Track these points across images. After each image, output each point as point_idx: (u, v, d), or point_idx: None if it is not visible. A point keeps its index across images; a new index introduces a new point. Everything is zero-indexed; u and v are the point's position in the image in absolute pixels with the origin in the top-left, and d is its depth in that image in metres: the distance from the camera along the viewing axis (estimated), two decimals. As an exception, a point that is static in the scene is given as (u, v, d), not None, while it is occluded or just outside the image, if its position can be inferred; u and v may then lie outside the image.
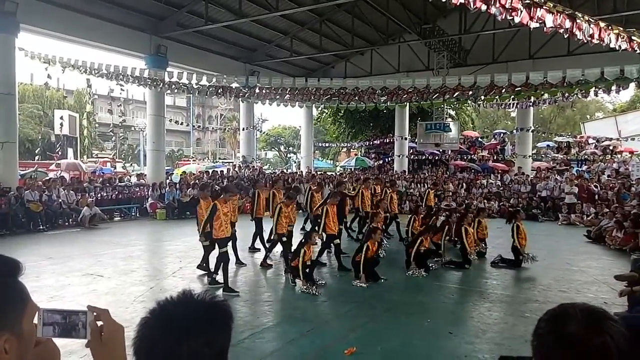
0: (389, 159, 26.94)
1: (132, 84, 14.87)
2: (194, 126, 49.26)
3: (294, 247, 8.30)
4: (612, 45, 8.12)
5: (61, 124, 27.86)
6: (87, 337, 1.05)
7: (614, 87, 12.13)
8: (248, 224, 9.98)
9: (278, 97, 15.68)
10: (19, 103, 16.37)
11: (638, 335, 1.15)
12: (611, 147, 24.07)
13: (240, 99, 17.19)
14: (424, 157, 26.01)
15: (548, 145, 27.69)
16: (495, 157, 25.52)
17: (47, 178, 16.61)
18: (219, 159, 47.33)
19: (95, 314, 1.06)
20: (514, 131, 23.72)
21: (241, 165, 23.01)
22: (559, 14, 7.20)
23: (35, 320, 1.03)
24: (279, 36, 21.08)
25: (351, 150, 35.01)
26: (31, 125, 33.43)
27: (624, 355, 0.94)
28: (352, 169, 27.50)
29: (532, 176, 19.99)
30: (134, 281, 7.49)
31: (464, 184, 20.18)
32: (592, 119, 39.29)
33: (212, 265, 7.56)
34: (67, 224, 14.03)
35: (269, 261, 8.74)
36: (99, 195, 15.63)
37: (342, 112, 27.64)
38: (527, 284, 7.67)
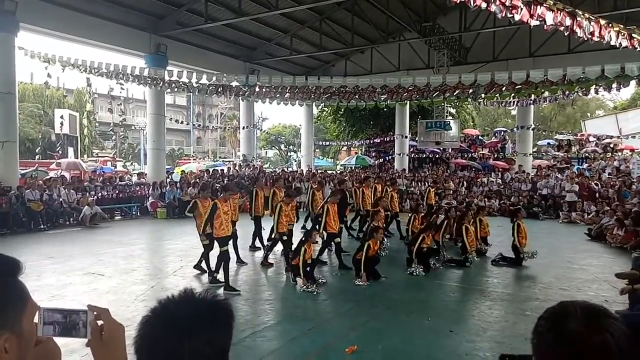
0: (390, 157, 26.93)
1: (132, 83, 14.88)
2: (194, 125, 49.25)
3: (294, 246, 8.31)
4: (612, 43, 8.11)
5: (61, 123, 27.90)
6: (87, 336, 1.05)
7: (614, 85, 12.12)
8: (249, 223, 9.98)
9: (278, 95, 15.68)
10: (19, 102, 16.35)
11: (639, 333, 1.15)
12: (612, 145, 24.04)
13: (240, 97, 17.22)
14: (424, 156, 26.01)
15: (549, 143, 27.69)
16: (495, 155, 25.52)
17: (48, 177, 16.63)
18: (220, 157, 47.31)
19: (95, 313, 1.06)
20: (515, 129, 23.69)
21: (241, 164, 23.01)
22: (559, 12, 7.19)
23: (36, 320, 1.03)
24: (279, 34, 21.06)
25: (351, 148, 35.00)
26: (31, 125, 33.44)
27: (625, 354, 0.94)
28: (353, 168, 27.50)
29: (532, 174, 19.97)
30: (134, 280, 7.49)
31: (465, 183, 20.18)
32: (593, 117, 39.25)
33: (212, 264, 7.57)
34: (67, 223, 14.04)
35: (269, 260, 8.74)
36: (100, 194, 15.64)
37: (342, 110, 27.64)
38: (527, 282, 7.67)
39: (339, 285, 7.46)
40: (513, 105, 22.96)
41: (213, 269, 7.50)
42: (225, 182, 16.18)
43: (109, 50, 17.54)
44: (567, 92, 15.54)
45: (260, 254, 9.33)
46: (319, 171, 23.09)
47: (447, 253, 9.35)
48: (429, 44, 20.47)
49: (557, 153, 25.52)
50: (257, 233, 9.91)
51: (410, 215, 10.81)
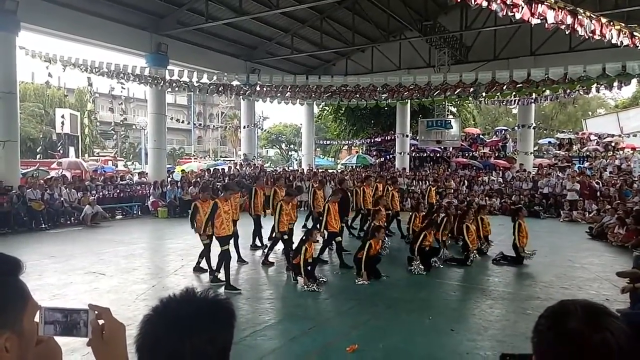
0: (390, 156, 26.92)
1: (132, 82, 14.92)
2: (195, 124, 49.27)
3: (295, 245, 8.31)
4: (613, 41, 8.10)
5: (62, 123, 27.95)
6: (88, 335, 1.05)
7: (615, 83, 12.12)
8: (249, 222, 10.00)
9: (279, 94, 15.69)
10: (20, 102, 16.36)
11: (640, 332, 1.15)
12: (613, 144, 24.02)
13: (241, 96, 17.23)
14: (425, 155, 26.00)
15: (550, 142, 27.67)
16: (496, 154, 25.51)
17: (49, 177, 16.66)
18: (220, 157, 47.38)
19: (96, 312, 1.06)
20: (516, 128, 23.69)
21: (242, 163, 23.02)
22: (560, 10, 7.18)
23: (37, 319, 1.03)
24: (279, 34, 21.05)
25: (352, 147, 35.00)
26: (32, 124, 33.49)
27: (626, 353, 0.94)
28: (354, 167, 27.50)
29: (533, 173, 19.96)
30: (135, 279, 7.50)
31: (466, 181, 20.17)
32: (594, 116, 39.23)
33: (213, 263, 7.58)
34: (69, 222, 14.06)
35: (270, 259, 8.74)
36: (101, 193, 15.65)
37: (343, 109, 27.65)
38: (528, 281, 7.67)
39: (339, 284, 7.46)
40: (514, 104, 22.94)
41: (214, 268, 7.51)
42: (226, 181, 16.21)
43: (110, 49, 17.55)
44: (568, 91, 15.54)
45: (259, 253, 9.32)
46: (319, 170, 23.09)
47: (449, 252, 9.35)
48: (430, 43, 20.45)
49: (558, 152, 25.50)
50: (257, 232, 9.92)
51: (411, 214, 10.81)
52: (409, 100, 17.70)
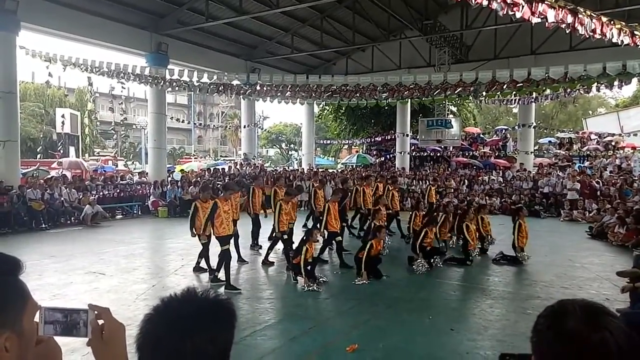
0: (391, 155, 26.92)
1: (133, 82, 14.92)
2: (195, 124, 49.29)
3: (295, 245, 8.32)
4: (614, 40, 8.09)
5: (63, 122, 27.96)
6: (88, 335, 1.05)
7: (616, 83, 12.11)
8: (250, 222, 9.99)
9: (279, 94, 15.69)
10: (20, 102, 16.36)
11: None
12: (613, 143, 24.01)
13: (241, 96, 17.23)
14: (425, 154, 25.99)
15: (550, 142, 27.66)
16: (497, 154, 25.50)
17: (49, 176, 16.67)
18: (221, 156, 47.39)
19: (96, 312, 1.07)
20: (516, 127, 23.69)
21: (242, 162, 23.03)
22: (560, 9, 7.18)
23: (37, 319, 1.03)
24: (279, 33, 21.04)
25: (352, 147, 35.00)
26: (33, 124, 33.51)
27: (627, 354, 0.93)
28: (354, 166, 27.50)
29: (534, 172, 19.97)
30: (136, 279, 7.50)
31: (466, 181, 20.17)
32: (594, 115, 39.22)
33: (212, 263, 7.59)
34: (69, 222, 14.06)
35: (270, 259, 8.74)
36: (101, 193, 15.65)
37: (343, 109, 27.65)
38: (528, 280, 7.66)
39: (340, 284, 7.46)
40: (514, 103, 22.94)
41: (213, 267, 7.52)
42: (226, 181, 16.20)
43: (110, 49, 17.56)
44: (568, 90, 15.53)
45: (260, 253, 9.31)
46: (320, 170, 23.09)
47: (448, 251, 9.36)
48: (430, 42, 20.44)
49: (558, 151, 25.50)
50: (255, 231, 9.93)
51: (411, 213, 10.81)
52: (409, 100, 17.70)
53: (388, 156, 27.34)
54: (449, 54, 20.79)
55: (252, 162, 23.05)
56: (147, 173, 18.92)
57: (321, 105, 29.30)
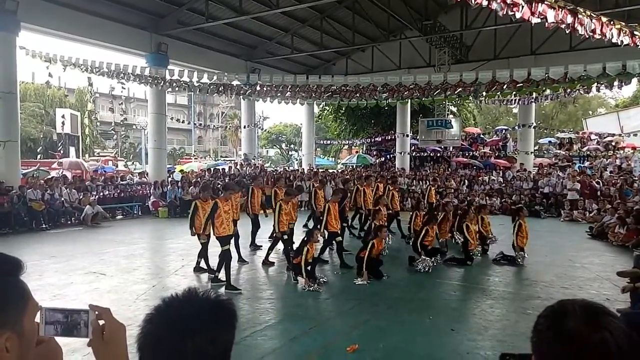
0: (391, 156, 26.92)
1: (133, 82, 14.93)
2: (195, 124, 49.29)
3: (295, 245, 8.32)
4: (614, 41, 8.09)
5: (63, 123, 27.97)
6: (88, 336, 1.05)
7: (616, 83, 12.11)
8: (250, 222, 9.99)
9: (279, 94, 15.69)
10: (21, 102, 16.36)
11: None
12: (613, 143, 24.02)
13: (241, 96, 17.24)
14: (425, 154, 25.99)
15: (550, 142, 27.66)
16: (497, 154, 25.50)
17: (49, 177, 16.66)
18: (221, 157, 47.39)
19: (97, 312, 1.07)
20: (516, 127, 23.69)
21: (243, 163, 23.03)
22: (560, 9, 7.18)
23: (37, 319, 1.03)
24: (279, 33, 21.05)
25: (353, 147, 35.00)
26: (33, 124, 33.50)
27: (627, 354, 0.94)
28: (354, 167, 27.50)
29: (534, 172, 19.97)
30: (136, 279, 7.50)
31: (466, 181, 20.18)
32: (594, 115, 39.22)
33: (211, 263, 7.60)
34: (69, 222, 14.07)
35: (270, 259, 8.74)
36: (101, 193, 15.66)
37: (343, 109, 27.65)
38: (529, 280, 7.66)
39: (340, 284, 7.46)
40: (514, 104, 22.94)
41: (212, 267, 7.54)
42: (226, 181, 16.20)
43: (110, 49, 17.56)
44: (568, 90, 15.53)
45: (261, 253, 9.30)
46: (320, 170, 23.09)
47: (449, 251, 9.37)
48: (430, 42, 20.44)
49: (558, 151, 25.49)
50: (256, 230, 9.93)
51: (411, 213, 10.82)
52: (409, 100, 17.70)
53: (388, 156, 27.35)
54: (448, 54, 20.79)
55: (252, 163, 23.05)
56: (147, 173, 18.93)
57: (321, 106, 29.31)
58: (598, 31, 7.75)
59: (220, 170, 21.79)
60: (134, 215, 16.32)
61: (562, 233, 12.99)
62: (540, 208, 16.66)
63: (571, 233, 12.88)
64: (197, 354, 0.98)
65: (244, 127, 24.63)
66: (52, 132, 32.63)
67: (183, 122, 34.00)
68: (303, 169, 23.90)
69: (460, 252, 9.13)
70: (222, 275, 7.07)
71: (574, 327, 0.97)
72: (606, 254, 9.88)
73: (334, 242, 8.82)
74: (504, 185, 19.25)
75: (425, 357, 4.61)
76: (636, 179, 16.62)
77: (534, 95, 17.99)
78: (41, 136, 33.56)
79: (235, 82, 14.53)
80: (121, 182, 16.97)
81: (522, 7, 6.88)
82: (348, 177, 17.06)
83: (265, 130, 48.76)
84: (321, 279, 7.30)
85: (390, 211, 11.03)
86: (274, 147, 53.04)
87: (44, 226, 13.00)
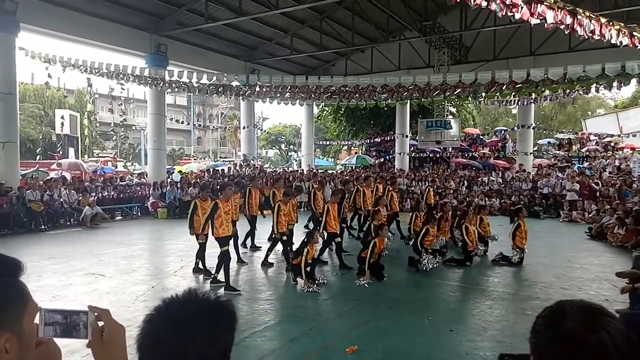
0: (390, 156, 26.93)
1: (132, 83, 14.91)
2: (194, 125, 49.27)
3: (295, 246, 8.32)
4: (613, 41, 8.10)
5: (62, 124, 27.94)
6: (88, 337, 1.05)
7: (615, 83, 12.12)
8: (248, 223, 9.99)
9: (278, 95, 15.69)
10: (20, 103, 16.36)
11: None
12: (612, 144, 24.05)
13: (240, 97, 17.23)
14: (425, 155, 26.00)
15: (549, 142, 27.67)
16: (496, 154, 25.51)
17: (49, 178, 16.65)
18: (220, 157, 47.36)
19: (96, 314, 1.07)
20: (515, 128, 23.69)
21: (242, 163, 23.03)
22: (559, 10, 7.19)
23: (37, 321, 1.03)
24: (279, 34, 21.06)
25: (352, 148, 35.01)
26: (32, 125, 33.47)
27: (625, 355, 0.94)
28: (353, 167, 27.50)
29: (533, 173, 19.97)
30: (135, 280, 7.50)
31: (465, 182, 20.18)
32: (594, 116, 39.24)
33: (207, 264, 7.61)
34: (68, 223, 14.05)
35: (270, 260, 8.74)
36: (100, 194, 15.65)
37: (342, 110, 27.66)
38: (528, 281, 7.67)
39: (339, 285, 7.46)
40: (514, 104, 22.95)
41: (208, 268, 7.57)
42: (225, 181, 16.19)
43: (110, 50, 17.55)
44: (567, 91, 15.54)
45: (260, 254, 9.30)
46: (319, 171, 23.10)
47: (448, 252, 9.38)
48: (430, 43, 20.45)
49: (557, 152, 25.52)
50: (251, 233, 9.92)
51: (411, 214, 10.83)
52: (409, 101, 17.71)
53: (387, 157, 27.36)
54: (448, 55, 20.80)
55: (251, 163, 23.05)
56: (146, 174, 18.92)
57: (320, 106, 29.32)
58: (597, 32, 7.76)
59: (220, 171, 21.78)
60: (133, 216, 16.31)
61: (561, 234, 13.00)
62: (539, 209, 16.67)
63: (570, 234, 12.88)
64: (197, 355, 0.98)
65: (243, 127, 24.63)
66: (52, 133, 32.59)
67: (182, 122, 34.03)
68: (302, 169, 23.90)
69: (460, 253, 9.14)
70: (221, 276, 7.08)
71: (572, 327, 0.97)
72: (605, 255, 9.89)
73: (333, 242, 8.82)
74: (503, 186, 19.26)
75: (425, 358, 4.61)
76: (635, 179, 16.63)
77: (533, 96, 17.99)
78: (40, 137, 33.52)
79: (234, 83, 14.53)
80: (120, 183, 16.96)
81: (521, 8, 6.89)
82: (348, 177, 17.05)
83: (264, 131, 48.79)
84: (321, 280, 7.30)
85: (389, 212, 11.03)
86: (274, 147, 53.00)
87: (43, 227, 12.99)
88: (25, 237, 12.01)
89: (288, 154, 50.63)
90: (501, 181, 19.88)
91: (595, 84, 12.40)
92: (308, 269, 7.09)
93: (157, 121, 18.56)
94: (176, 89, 16.14)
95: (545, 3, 7.02)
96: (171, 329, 0.99)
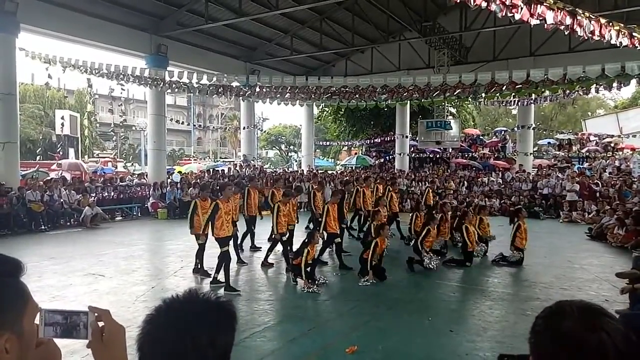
0: (390, 157, 26.94)
1: (132, 84, 14.91)
2: (194, 125, 49.26)
3: (295, 247, 8.31)
4: (613, 42, 8.11)
5: (62, 124, 27.93)
6: (88, 337, 1.05)
7: (615, 84, 12.12)
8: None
9: (279, 95, 15.69)
10: (20, 103, 16.36)
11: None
12: (612, 144, 24.05)
13: (240, 97, 17.23)
14: (425, 155, 26.01)
15: (549, 143, 27.68)
16: (496, 155, 25.52)
17: (49, 178, 16.65)
18: (220, 158, 47.35)
19: (96, 314, 1.07)
20: (515, 129, 23.70)
21: (242, 164, 23.03)
22: (559, 11, 7.19)
23: (37, 321, 1.03)
24: (279, 35, 21.07)
25: (352, 148, 35.00)
26: (32, 126, 33.47)
27: (625, 356, 0.94)
28: (353, 168, 27.50)
29: (533, 174, 19.97)
30: (135, 281, 7.50)
31: (465, 182, 20.19)
32: (593, 116, 39.25)
33: (205, 265, 7.62)
34: (68, 224, 14.05)
35: (270, 260, 8.74)
36: (101, 195, 15.66)
37: (342, 110, 27.65)
38: (528, 282, 7.67)
39: (339, 286, 7.46)
40: (514, 105, 22.97)
41: (206, 269, 7.60)
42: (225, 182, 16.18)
43: (110, 51, 17.56)
44: (567, 91, 15.55)
45: (260, 254, 9.30)
46: (319, 171, 23.10)
47: (448, 252, 9.38)
48: (430, 44, 20.47)
49: (557, 152, 25.52)
50: (250, 233, 9.92)
51: (411, 214, 10.83)
52: (409, 101, 17.71)
53: (387, 157, 27.36)
54: (448, 56, 20.82)
55: (251, 164, 23.06)
56: (146, 175, 18.92)
57: (320, 107, 29.33)
58: (597, 32, 7.76)
59: (220, 171, 21.78)
60: (133, 217, 16.31)
61: (561, 234, 13.00)
62: (539, 209, 16.67)
63: (570, 234, 12.88)
64: (197, 355, 0.98)
65: (244, 128, 24.63)
66: (52, 133, 32.59)
67: (182, 123, 34.04)
68: (302, 170, 23.89)
69: (460, 253, 9.14)
70: (221, 276, 7.08)
71: (571, 328, 0.97)
72: (605, 255, 9.89)
73: (333, 243, 8.81)
74: (503, 186, 19.26)
75: (425, 359, 4.61)
76: (635, 180, 16.63)
77: (533, 96, 18.00)
78: (40, 137, 33.52)
79: (234, 84, 14.54)
80: (120, 184, 16.96)
81: (521, 8, 6.89)
82: (348, 178, 17.05)
83: (264, 132, 48.76)
84: (321, 281, 7.30)
85: (388, 212, 11.02)
86: (274, 148, 52.98)
87: (43, 227, 12.99)
88: (25, 237, 12.01)
89: (288, 155, 50.61)
90: (501, 182, 19.88)
91: (595, 85, 12.41)
92: (308, 269, 7.09)
93: (157, 122, 18.56)
94: (176, 90, 16.15)
95: (545, 4, 7.02)
96: (171, 329, 0.99)
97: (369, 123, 29.02)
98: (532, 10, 6.97)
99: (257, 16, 17.81)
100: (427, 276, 7.91)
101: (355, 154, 32.86)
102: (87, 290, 6.90)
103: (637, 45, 8.33)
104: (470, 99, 17.36)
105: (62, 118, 28.31)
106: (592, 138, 25.62)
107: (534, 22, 7.21)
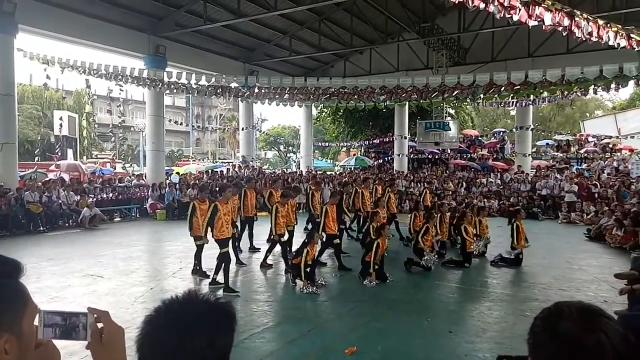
0: (389, 158, 26.95)
1: (131, 84, 14.88)
2: (193, 126, 49.23)
3: (294, 247, 8.31)
4: (610, 43, 8.12)
5: (60, 125, 27.88)
6: (87, 339, 1.05)
7: (613, 85, 12.13)
8: (247, 224, 9.98)
9: (277, 96, 15.67)
10: (18, 104, 16.37)
11: None
12: (611, 145, 24.08)
13: (239, 98, 17.20)
14: (423, 156, 26.03)
15: (548, 144, 27.71)
16: (495, 156, 25.54)
17: (47, 179, 16.61)
18: (219, 159, 47.32)
19: (95, 315, 1.07)
20: (514, 130, 23.73)
21: (241, 165, 23.02)
22: (557, 12, 7.20)
23: (36, 322, 1.03)
24: (278, 35, 21.08)
25: (351, 149, 35.00)
26: (30, 126, 33.40)
27: (623, 356, 0.94)
28: (352, 169, 27.51)
29: (532, 175, 20.00)
30: (134, 282, 7.49)
31: (464, 183, 20.20)
32: (592, 117, 39.30)
33: (202, 267, 7.61)
34: (67, 225, 14.02)
35: (269, 261, 8.73)
36: (99, 196, 15.64)
37: (341, 111, 27.64)
38: (527, 282, 7.68)
39: (338, 287, 7.46)
40: (512, 106, 22.99)
41: (204, 270, 7.59)
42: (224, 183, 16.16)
43: (108, 51, 17.54)
44: (565, 93, 15.55)
45: (259, 255, 9.30)
46: (318, 172, 23.10)
47: (447, 253, 9.38)
48: (428, 45, 20.49)
49: (556, 153, 25.55)
50: (249, 234, 9.91)
51: (410, 215, 10.83)
52: (407, 102, 17.71)
53: (386, 158, 27.37)
54: (446, 57, 20.85)
55: (250, 165, 23.05)
56: (145, 175, 18.90)
57: (319, 108, 29.33)
58: (595, 34, 7.77)
59: (219, 172, 21.76)
60: (131, 218, 16.29)
61: (559, 235, 13.01)
62: (538, 210, 16.68)
63: (569, 235, 12.90)
64: (196, 356, 0.98)
65: (242, 129, 24.62)
66: (50, 134, 32.54)
67: (181, 124, 34.00)
68: (301, 171, 23.89)
69: (459, 254, 9.14)
70: (220, 277, 7.07)
71: (569, 329, 0.97)
72: (604, 256, 9.90)
73: (332, 244, 8.81)
74: (501, 187, 19.28)
75: (424, 359, 4.61)
76: (633, 181, 16.67)
77: (532, 97, 18.03)
78: (39, 138, 33.45)
79: (233, 84, 14.53)
80: (119, 185, 16.94)
81: (519, 10, 6.90)
82: (346, 179, 17.05)
83: (263, 132, 48.75)
84: (320, 282, 7.29)
85: (387, 214, 11.02)
86: (272, 149, 52.96)
87: (41, 228, 12.97)
88: (24, 238, 11.99)
89: (287, 156, 50.58)
90: (500, 182, 19.90)
91: (593, 86, 12.41)
92: (308, 269, 7.08)
93: (156, 122, 18.55)
94: (175, 91, 16.12)
95: (543, 5, 7.03)
96: (171, 330, 0.99)
97: (368, 124, 29.03)
98: (530, 11, 6.97)
99: (255, 17, 17.82)
100: (426, 277, 7.91)
101: (354, 154, 32.86)
102: (85, 292, 6.89)
103: (634, 46, 8.35)
104: (468, 100, 17.35)
105: (61, 119, 28.26)
106: (590, 139, 25.66)
107: (532, 23, 7.21)
